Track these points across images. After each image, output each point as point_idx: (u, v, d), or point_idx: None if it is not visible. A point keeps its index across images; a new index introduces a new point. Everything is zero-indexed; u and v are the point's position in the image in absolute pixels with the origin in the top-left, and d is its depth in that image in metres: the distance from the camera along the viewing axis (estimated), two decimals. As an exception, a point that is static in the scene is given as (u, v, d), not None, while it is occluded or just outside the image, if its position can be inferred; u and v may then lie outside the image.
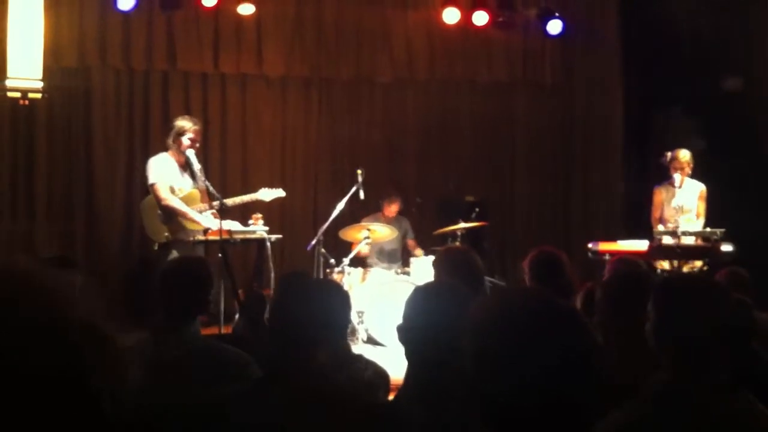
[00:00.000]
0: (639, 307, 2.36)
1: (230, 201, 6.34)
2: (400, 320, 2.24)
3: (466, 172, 9.46)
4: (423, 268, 7.11)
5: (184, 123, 6.37)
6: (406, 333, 2.18)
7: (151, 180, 6.27)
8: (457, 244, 7.47)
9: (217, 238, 6.05)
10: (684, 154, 7.09)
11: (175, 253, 5.97)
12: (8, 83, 6.56)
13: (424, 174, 9.39)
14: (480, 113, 9.57)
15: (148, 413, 2.26)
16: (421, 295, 2.25)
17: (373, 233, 7.54)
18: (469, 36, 9.20)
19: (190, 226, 6.27)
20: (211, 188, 6.18)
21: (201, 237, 6.28)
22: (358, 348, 6.44)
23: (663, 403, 2.04)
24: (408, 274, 7.45)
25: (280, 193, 6.85)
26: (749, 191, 7.85)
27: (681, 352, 2.09)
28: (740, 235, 6.60)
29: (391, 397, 2.89)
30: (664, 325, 2.14)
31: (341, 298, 3.23)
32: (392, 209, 8.12)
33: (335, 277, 7.08)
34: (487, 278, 7.22)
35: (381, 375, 3.19)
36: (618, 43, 9.55)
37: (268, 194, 6.75)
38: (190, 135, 6.29)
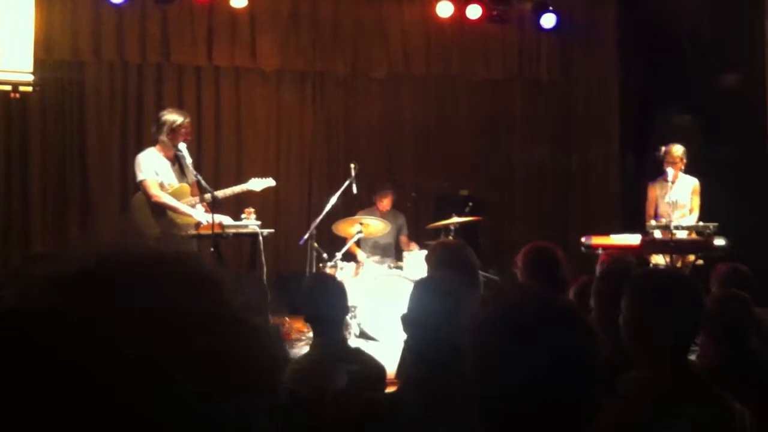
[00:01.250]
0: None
1: (221, 193, 6.29)
2: (398, 312, 2.23)
3: (462, 168, 9.46)
4: (416, 263, 7.10)
5: (175, 117, 6.28)
6: (409, 325, 2.17)
7: (140, 177, 6.21)
8: (450, 238, 7.46)
9: (209, 232, 6.02)
10: (677, 149, 7.09)
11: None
12: (-1, 76, 6.51)
13: (419, 169, 9.37)
14: (476, 109, 9.56)
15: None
16: (424, 289, 2.23)
17: (366, 227, 7.52)
18: (465, 32, 9.19)
19: (181, 220, 6.24)
20: (202, 181, 6.14)
21: (193, 231, 6.24)
22: (350, 342, 6.43)
23: (637, 399, 2.04)
24: (401, 268, 7.44)
25: (270, 182, 6.79)
26: (744, 187, 7.86)
27: (652, 348, 2.10)
28: (734, 230, 6.61)
29: (388, 390, 2.89)
30: (636, 321, 2.15)
31: (338, 291, 3.23)
32: (385, 203, 8.09)
33: (328, 271, 7.06)
34: (482, 273, 7.24)
35: (378, 368, 3.18)
36: (615, 38, 9.55)
37: (258, 184, 6.70)
38: (183, 129, 6.24)
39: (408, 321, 2.18)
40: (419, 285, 2.27)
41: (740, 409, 2.04)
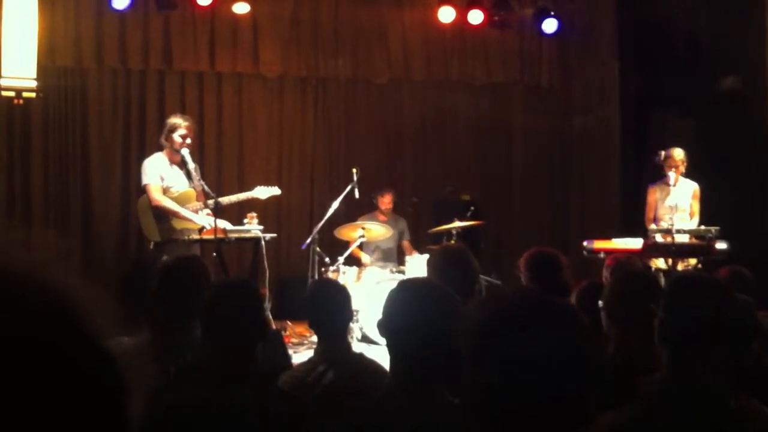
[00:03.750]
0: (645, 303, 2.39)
1: (225, 199, 6.32)
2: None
3: (463, 172, 9.47)
4: (418, 267, 7.11)
5: (175, 120, 6.38)
6: (386, 330, 2.18)
7: (144, 181, 6.27)
8: (452, 242, 7.47)
9: (212, 237, 6.05)
10: (678, 153, 7.09)
11: (170, 253, 5.96)
12: (2, 82, 6.53)
13: (420, 173, 9.40)
14: (476, 113, 9.58)
15: (161, 415, 2.23)
16: (401, 294, 2.23)
17: (368, 232, 7.53)
18: (465, 36, 9.22)
19: (183, 225, 6.26)
20: (206, 187, 6.18)
21: (196, 236, 6.27)
22: (353, 347, 6.43)
23: (658, 403, 2.04)
24: (403, 273, 7.45)
25: (275, 191, 6.84)
26: (745, 190, 7.87)
27: (681, 351, 2.10)
28: (735, 233, 6.61)
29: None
30: (668, 323, 2.15)
31: (342, 297, 3.24)
32: (386, 201, 8.10)
33: (330, 276, 7.08)
34: (483, 277, 7.26)
35: (381, 372, 3.18)
36: (615, 42, 9.55)
37: (263, 192, 6.74)
38: (181, 132, 6.26)
39: (386, 324, 2.18)
40: (397, 291, 2.26)
41: (761, 412, 2.03)
